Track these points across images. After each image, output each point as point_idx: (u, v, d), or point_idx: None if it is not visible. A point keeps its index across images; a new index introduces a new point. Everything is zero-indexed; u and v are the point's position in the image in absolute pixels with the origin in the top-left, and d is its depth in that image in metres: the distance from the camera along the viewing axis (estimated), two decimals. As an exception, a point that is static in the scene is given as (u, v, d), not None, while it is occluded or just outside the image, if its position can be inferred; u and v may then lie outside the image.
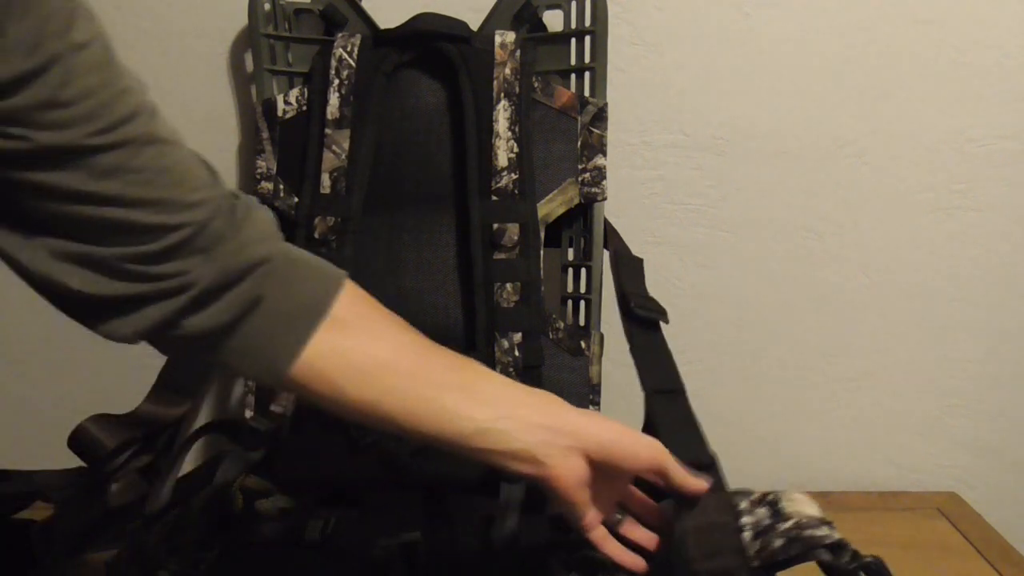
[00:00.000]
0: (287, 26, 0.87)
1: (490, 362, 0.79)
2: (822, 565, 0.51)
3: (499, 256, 0.80)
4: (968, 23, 0.90)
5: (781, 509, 0.53)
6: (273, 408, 0.81)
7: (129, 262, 0.45)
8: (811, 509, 0.54)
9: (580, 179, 0.83)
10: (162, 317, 0.47)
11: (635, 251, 0.84)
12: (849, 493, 1.00)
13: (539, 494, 0.69)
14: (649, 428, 0.69)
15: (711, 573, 0.52)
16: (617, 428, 0.55)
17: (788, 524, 0.52)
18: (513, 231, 0.79)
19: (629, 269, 0.81)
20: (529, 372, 0.79)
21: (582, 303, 0.86)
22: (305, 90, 0.85)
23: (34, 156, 0.41)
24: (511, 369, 0.79)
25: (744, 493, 0.56)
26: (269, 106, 0.86)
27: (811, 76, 0.92)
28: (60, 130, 0.41)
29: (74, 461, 0.77)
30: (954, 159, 0.94)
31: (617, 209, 0.90)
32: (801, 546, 0.51)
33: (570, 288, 0.87)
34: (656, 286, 0.98)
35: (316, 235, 0.82)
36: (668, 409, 0.72)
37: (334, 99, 0.82)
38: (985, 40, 0.91)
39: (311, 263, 0.53)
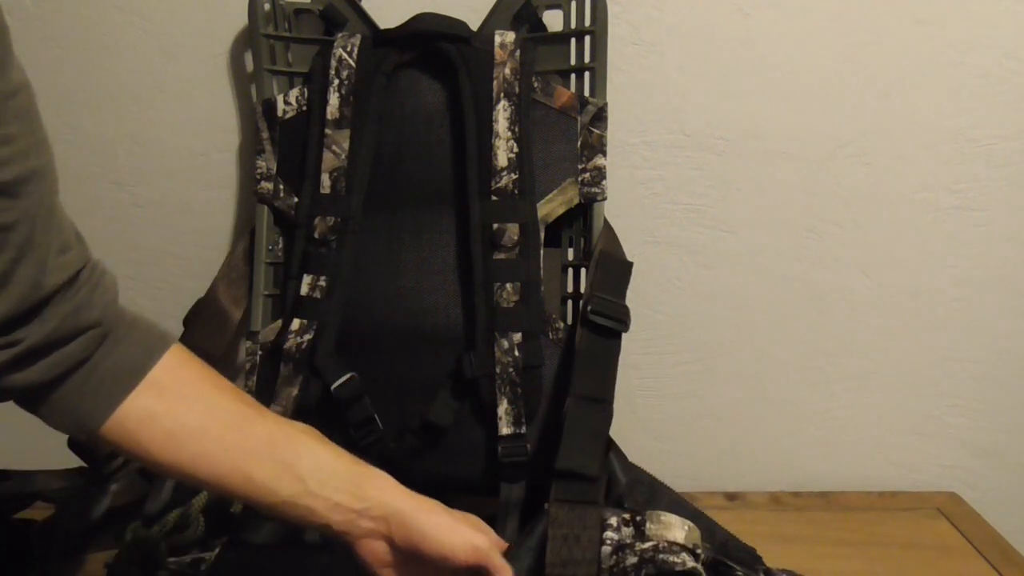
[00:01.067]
0: (287, 26, 0.87)
1: (490, 362, 0.79)
2: None
3: (499, 256, 0.80)
4: (968, 23, 0.90)
5: (645, 531, 0.55)
6: (273, 408, 0.81)
7: None
8: (677, 533, 0.56)
9: (580, 179, 0.83)
10: None
11: (635, 251, 0.84)
12: (849, 493, 1.00)
13: (539, 494, 0.69)
14: (559, 433, 0.70)
15: None
16: (438, 523, 0.57)
17: (646, 545, 0.54)
18: (513, 231, 0.79)
19: (608, 273, 0.80)
20: (529, 372, 0.79)
21: (582, 303, 0.86)
22: (305, 90, 0.85)
23: None
24: (511, 369, 0.79)
25: (617, 511, 0.58)
26: (269, 106, 0.86)
27: (811, 76, 0.92)
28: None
29: (74, 461, 0.77)
30: (954, 159, 0.94)
31: (617, 209, 0.90)
32: (653, 568, 0.53)
33: (570, 288, 0.87)
34: (656, 286, 0.98)
35: (316, 235, 0.82)
36: (583, 418, 0.72)
37: (334, 99, 0.82)
38: (985, 40, 0.91)
39: (142, 327, 0.55)
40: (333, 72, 0.82)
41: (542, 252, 0.81)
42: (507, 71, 0.80)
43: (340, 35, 0.84)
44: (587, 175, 0.83)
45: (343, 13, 0.85)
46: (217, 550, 0.74)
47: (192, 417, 0.54)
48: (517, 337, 0.79)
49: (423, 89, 0.84)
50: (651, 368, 1.00)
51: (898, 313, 1.00)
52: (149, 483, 0.77)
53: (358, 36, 0.83)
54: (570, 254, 0.87)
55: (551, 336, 0.82)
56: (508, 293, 0.79)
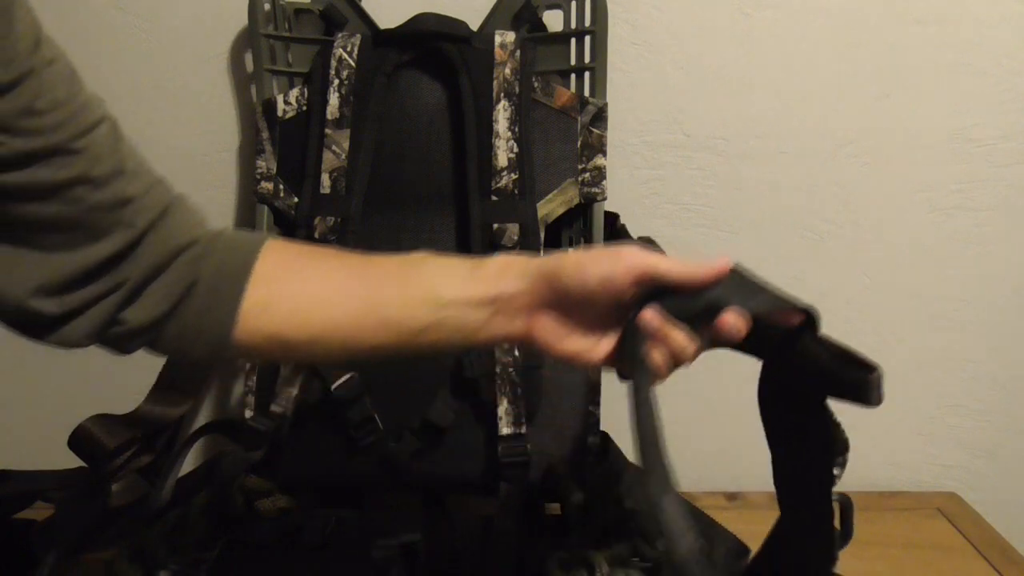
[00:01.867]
0: (287, 26, 0.87)
1: (490, 362, 0.79)
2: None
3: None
4: (968, 23, 0.90)
5: None
6: (273, 408, 0.81)
7: (85, 268, 0.48)
8: None
9: (580, 179, 0.83)
10: (106, 316, 0.50)
11: (635, 251, 0.84)
12: (849, 493, 1.00)
13: (539, 495, 0.69)
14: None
15: None
16: (561, 260, 0.52)
17: None
18: (513, 231, 0.79)
19: None
20: (529, 372, 0.79)
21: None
22: (305, 90, 0.85)
23: (8, 161, 0.45)
24: (511, 369, 0.79)
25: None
26: (269, 106, 0.86)
27: (811, 76, 0.92)
28: (34, 136, 0.45)
29: (74, 461, 0.77)
30: (954, 159, 0.94)
31: (617, 209, 0.90)
32: None
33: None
34: (656, 286, 0.98)
35: (316, 235, 0.82)
36: None
37: (334, 99, 0.82)
38: (985, 40, 0.91)
39: (234, 236, 0.56)
40: (333, 72, 0.82)
41: (542, 252, 0.81)
42: (507, 71, 0.80)
43: (340, 35, 0.84)
44: (587, 175, 0.83)
45: (343, 13, 0.85)
46: (217, 550, 0.74)
47: (308, 289, 0.54)
48: (517, 337, 0.79)
49: (423, 89, 0.84)
50: (651, 368, 1.00)
51: (898, 313, 1.00)
52: (149, 483, 0.77)
53: (358, 36, 0.83)
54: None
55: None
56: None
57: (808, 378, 0.51)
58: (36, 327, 0.50)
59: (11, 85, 0.44)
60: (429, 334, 0.53)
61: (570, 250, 0.53)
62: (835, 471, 0.50)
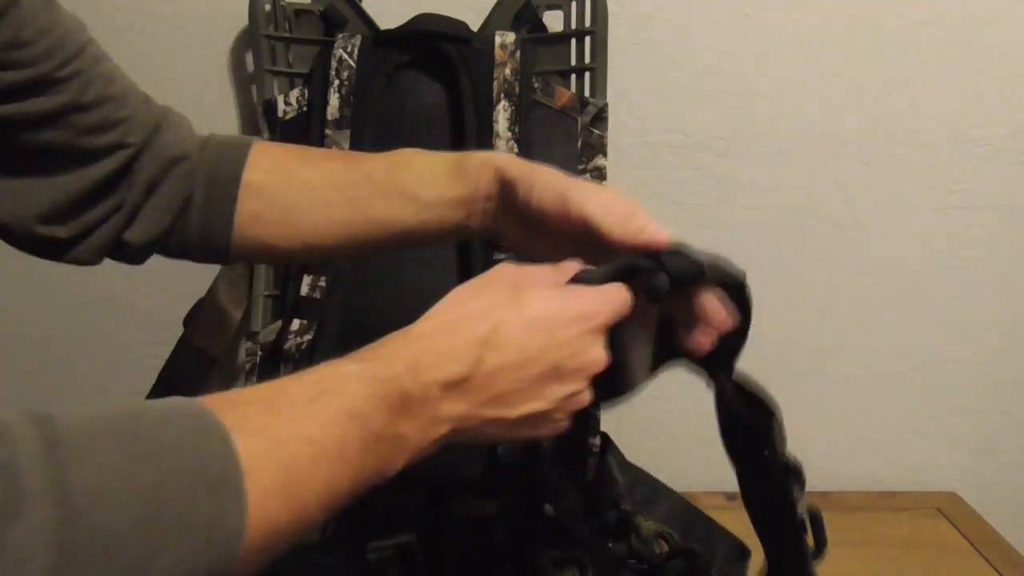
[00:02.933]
0: (287, 27, 0.87)
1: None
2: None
3: (499, 256, 0.80)
4: (968, 23, 0.90)
5: None
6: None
7: (85, 191, 0.50)
8: None
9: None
10: (110, 238, 0.52)
11: (635, 251, 0.84)
12: (849, 493, 1.00)
13: (538, 495, 0.69)
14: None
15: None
16: (524, 174, 0.52)
17: None
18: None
19: None
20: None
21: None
22: (305, 91, 0.85)
23: (2, 94, 0.45)
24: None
25: None
26: (269, 107, 0.86)
27: (811, 76, 0.92)
28: (23, 68, 0.46)
29: (74, 461, 0.77)
30: (954, 159, 0.94)
31: (617, 209, 0.90)
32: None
33: (570, 288, 0.86)
34: (656, 286, 0.98)
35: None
36: None
37: (334, 100, 0.82)
38: (985, 40, 0.91)
39: (222, 143, 0.57)
40: (333, 73, 0.82)
41: (542, 252, 0.81)
42: (507, 71, 0.80)
43: (340, 36, 0.84)
44: (588, 176, 0.83)
45: (343, 14, 0.85)
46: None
47: (294, 197, 0.56)
48: (517, 337, 0.79)
49: (423, 90, 0.84)
50: (651, 368, 1.00)
51: (898, 313, 1.00)
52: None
53: (358, 37, 0.83)
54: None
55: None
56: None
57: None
58: (49, 251, 0.52)
59: None
60: (414, 234, 0.55)
61: (548, 168, 0.52)
62: (795, 494, 0.50)
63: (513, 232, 0.54)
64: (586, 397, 0.45)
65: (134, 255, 0.55)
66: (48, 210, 0.49)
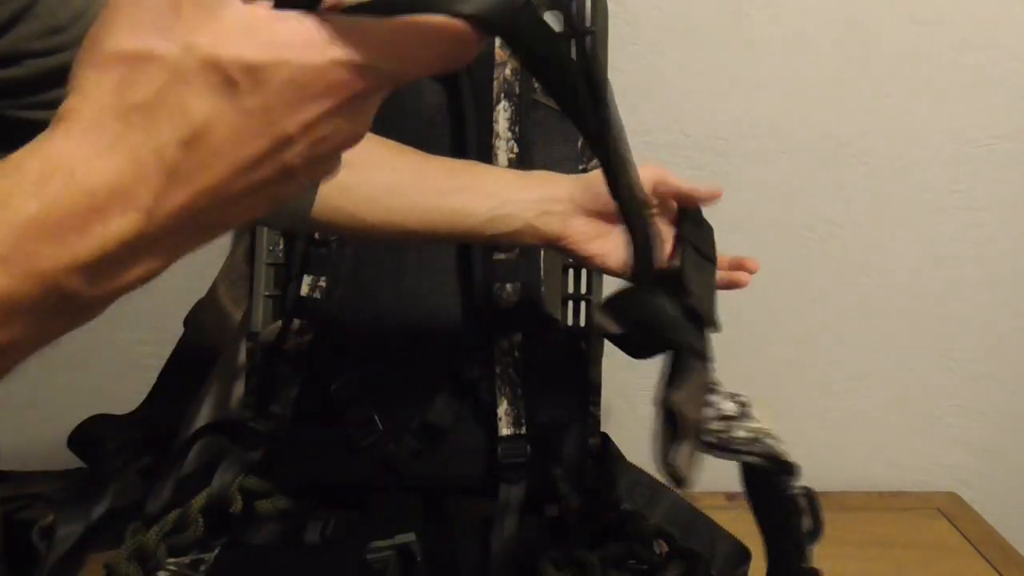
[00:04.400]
0: (287, 26, 0.87)
1: (490, 362, 0.79)
2: (765, 474, 0.52)
3: (499, 256, 0.80)
4: (968, 23, 0.90)
5: (749, 412, 0.55)
6: (273, 408, 0.81)
7: None
8: (773, 424, 0.56)
9: (580, 179, 0.83)
10: None
11: (635, 251, 0.84)
12: (849, 493, 1.00)
13: (538, 496, 0.68)
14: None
15: (671, 403, 0.52)
16: (595, 172, 0.62)
17: (755, 424, 0.54)
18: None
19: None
20: (529, 372, 0.79)
21: (582, 303, 0.86)
22: (305, 90, 0.84)
23: (45, 80, 0.45)
24: (511, 370, 0.79)
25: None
26: (269, 106, 0.85)
27: (811, 76, 0.92)
28: (65, 52, 0.45)
29: (74, 461, 0.77)
30: (954, 159, 0.94)
31: (617, 209, 0.90)
32: (761, 448, 0.52)
33: (570, 288, 0.87)
34: (656, 286, 0.98)
35: (317, 235, 0.82)
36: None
37: (334, 99, 0.82)
38: (985, 40, 0.91)
39: None
40: (333, 72, 0.82)
41: (542, 252, 0.81)
42: (507, 71, 0.80)
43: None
44: (587, 175, 0.83)
45: (343, 13, 0.85)
46: (217, 550, 0.74)
47: (382, 178, 0.61)
48: (517, 338, 0.79)
49: (423, 89, 0.84)
50: (651, 368, 1.00)
51: (898, 313, 1.00)
52: (149, 483, 0.77)
53: (358, 36, 0.83)
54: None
55: (551, 337, 0.82)
56: (508, 293, 0.79)
57: None
58: None
59: (28, 6, 0.43)
60: (487, 226, 0.62)
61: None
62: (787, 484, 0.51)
63: (577, 227, 0.63)
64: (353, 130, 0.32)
65: None
66: None
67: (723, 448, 0.52)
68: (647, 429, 1.09)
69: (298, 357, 0.81)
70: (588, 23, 0.82)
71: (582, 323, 0.86)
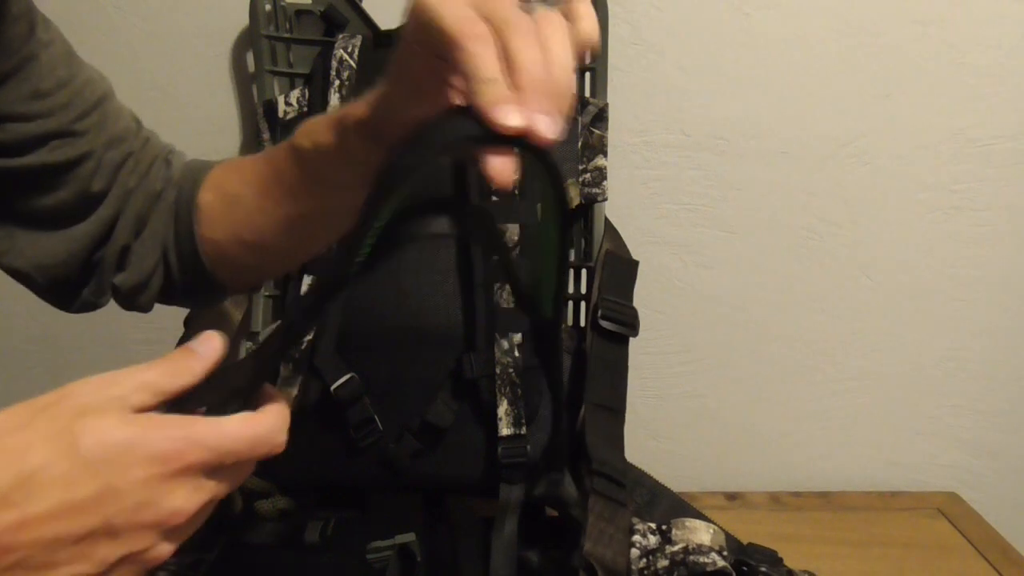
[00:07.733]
0: (288, 27, 0.87)
1: (490, 363, 0.79)
2: None
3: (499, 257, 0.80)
4: (968, 23, 0.90)
5: (671, 537, 0.56)
6: (273, 408, 0.81)
7: (93, 237, 0.51)
8: (703, 536, 0.57)
9: (581, 180, 0.83)
10: (106, 282, 0.54)
11: (635, 251, 0.84)
12: (849, 493, 1.00)
13: (538, 496, 0.69)
14: (579, 437, 0.72)
15: (600, 559, 0.54)
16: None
17: (676, 548, 0.55)
18: (513, 231, 0.79)
19: (615, 274, 0.81)
20: (529, 373, 0.79)
21: (582, 303, 0.86)
22: (306, 91, 0.85)
23: (21, 145, 0.46)
24: (511, 370, 0.79)
25: (643, 520, 0.59)
26: (270, 107, 0.86)
27: (811, 76, 0.92)
28: (45, 119, 0.46)
29: (75, 461, 0.77)
30: (954, 159, 0.94)
31: (617, 209, 0.90)
32: (685, 570, 0.53)
33: (570, 288, 0.87)
34: (656, 286, 0.98)
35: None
36: (601, 425, 0.73)
37: (335, 100, 0.82)
38: (985, 40, 0.91)
39: (190, 166, 0.56)
40: (334, 73, 0.82)
41: (542, 253, 0.81)
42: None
43: (341, 36, 0.84)
44: (588, 176, 0.83)
45: (344, 14, 0.85)
46: (217, 551, 0.74)
47: (235, 213, 0.53)
48: (517, 338, 0.79)
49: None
50: (651, 368, 1.00)
51: (898, 313, 1.00)
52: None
53: (359, 37, 0.83)
54: (571, 255, 0.87)
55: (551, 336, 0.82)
56: (508, 294, 0.79)
57: None
58: (62, 301, 0.54)
59: (13, 71, 0.44)
60: (314, 179, 0.48)
61: None
62: None
63: (395, 100, 0.44)
64: (161, 552, 0.38)
65: (129, 298, 0.56)
66: (66, 258, 0.51)
67: None
68: (647, 429, 1.09)
69: (298, 358, 0.81)
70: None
71: (582, 323, 0.86)
